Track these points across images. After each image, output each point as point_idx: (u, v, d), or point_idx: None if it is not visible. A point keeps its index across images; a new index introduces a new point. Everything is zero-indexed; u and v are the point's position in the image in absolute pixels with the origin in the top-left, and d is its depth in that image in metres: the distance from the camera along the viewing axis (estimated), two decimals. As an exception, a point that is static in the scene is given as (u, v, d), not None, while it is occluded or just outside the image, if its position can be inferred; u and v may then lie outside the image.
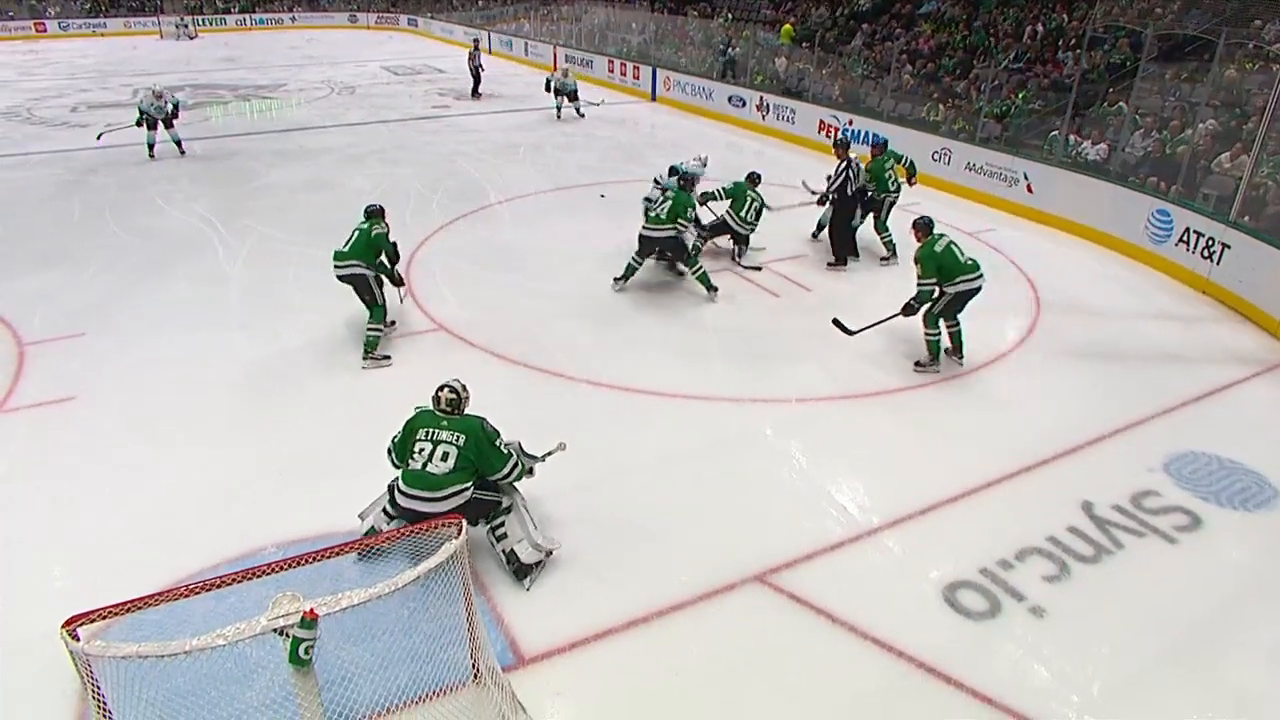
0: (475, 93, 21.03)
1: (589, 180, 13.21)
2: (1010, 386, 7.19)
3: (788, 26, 19.77)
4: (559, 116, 18.13)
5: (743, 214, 9.42)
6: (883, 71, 16.06)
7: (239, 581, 3.34)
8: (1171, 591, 4.86)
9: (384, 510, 4.82)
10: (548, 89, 18.10)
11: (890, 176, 9.72)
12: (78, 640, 3.01)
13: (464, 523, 3.55)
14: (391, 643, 4.15)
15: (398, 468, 4.73)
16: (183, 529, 5.17)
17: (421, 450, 4.59)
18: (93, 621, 3.05)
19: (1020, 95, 13.56)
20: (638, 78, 21.55)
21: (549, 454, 5.21)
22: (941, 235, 7.20)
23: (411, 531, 3.52)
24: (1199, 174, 10.21)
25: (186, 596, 3.37)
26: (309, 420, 6.38)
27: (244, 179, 13.13)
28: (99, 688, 3.13)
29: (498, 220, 11.29)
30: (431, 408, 4.75)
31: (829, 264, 9.71)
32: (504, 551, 4.78)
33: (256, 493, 5.51)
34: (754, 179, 9.55)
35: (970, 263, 7.14)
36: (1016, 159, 12.05)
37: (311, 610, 3.05)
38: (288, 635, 3.05)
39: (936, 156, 13.14)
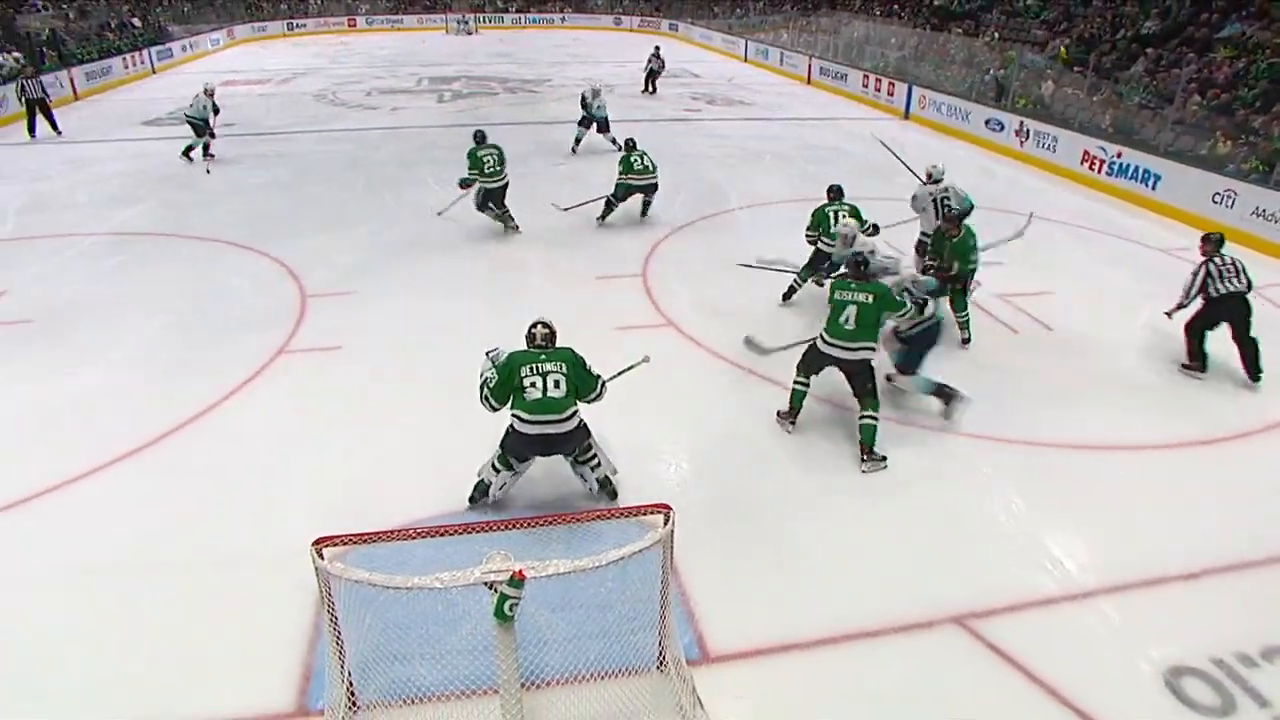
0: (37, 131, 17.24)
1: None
2: (1277, 462, 6.40)
3: (1064, 49, 18.52)
4: (574, 150, 15.60)
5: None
6: (1164, 101, 14.67)
7: (460, 534, 3.65)
8: None
9: (493, 465, 5.27)
10: (583, 106, 15.62)
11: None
12: (323, 559, 3.41)
13: (673, 511, 3.65)
14: (586, 617, 4.34)
15: (497, 409, 5.12)
16: (416, 478, 5.66)
17: (533, 384, 4.98)
18: (335, 546, 3.45)
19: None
20: (892, 94, 20.96)
21: (628, 369, 5.71)
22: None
23: (620, 513, 3.66)
24: None
25: (413, 539, 3.71)
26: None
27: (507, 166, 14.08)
28: (334, 604, 3.52)
29: (737, 226, 11.43)
30: (526, 347, 5.13)
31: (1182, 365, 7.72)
32: (597, 479, 5.33)
33: (486, 455, 5.91)
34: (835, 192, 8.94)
35: None
36: (1322, 208, 10.64)
37: (520, 571, 3.27)
38: (496, 590, 3.29)
39: (1218, 199, 11.83)
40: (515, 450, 5.15)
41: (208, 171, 13.75)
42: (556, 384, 4.99)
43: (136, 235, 10.54)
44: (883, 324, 6.17)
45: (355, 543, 3.59)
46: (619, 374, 5.61)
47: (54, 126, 17.01)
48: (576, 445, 5.21)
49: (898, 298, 6.15)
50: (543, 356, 5.05)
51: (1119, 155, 13.74)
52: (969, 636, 4.51)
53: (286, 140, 16.61)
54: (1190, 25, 17.22)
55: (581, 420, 5.16)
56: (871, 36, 25.01)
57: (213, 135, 14.59)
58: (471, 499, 5.34)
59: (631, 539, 3.57)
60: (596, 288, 8.86)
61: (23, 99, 16.83)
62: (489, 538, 3.63)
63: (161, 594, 4.71)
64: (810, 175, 14.22)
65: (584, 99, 15.55)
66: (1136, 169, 13.27)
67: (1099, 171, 13.96)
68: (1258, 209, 11.31)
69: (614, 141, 14.63)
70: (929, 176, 8.93)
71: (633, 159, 10.82)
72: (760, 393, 6.97)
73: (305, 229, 10.67)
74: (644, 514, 3.67)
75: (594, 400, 5.23)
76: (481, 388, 5.20)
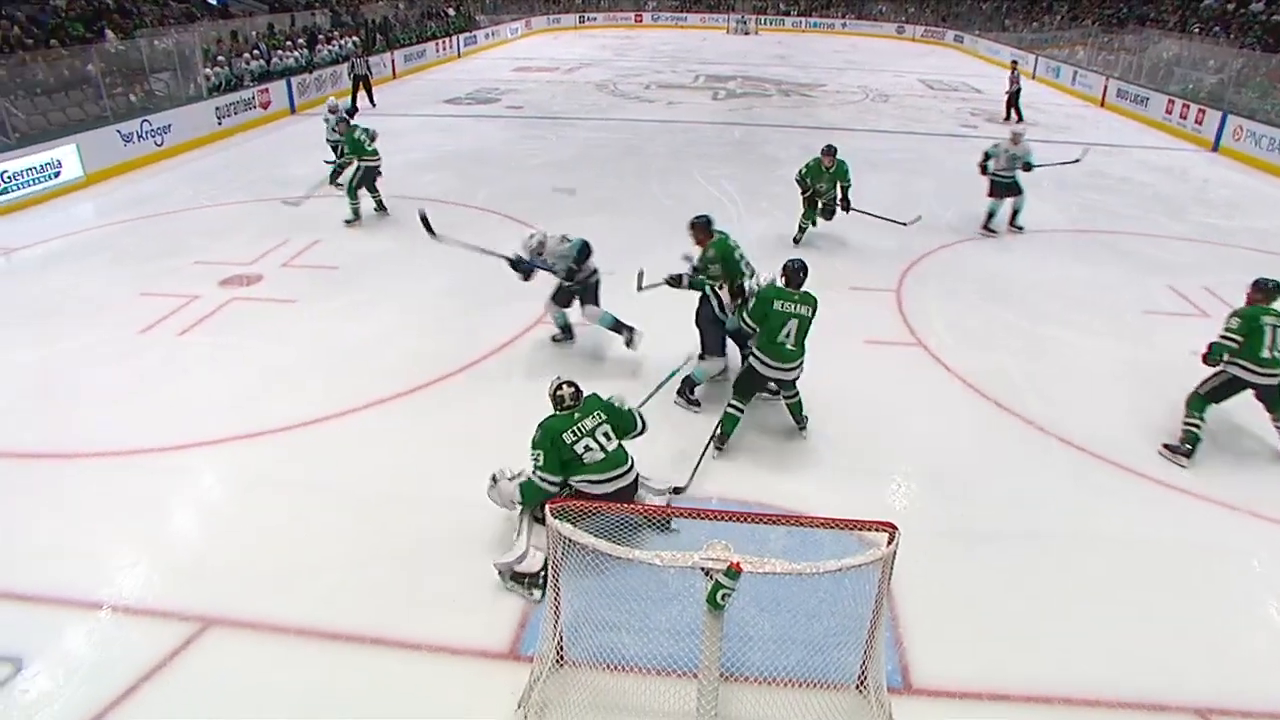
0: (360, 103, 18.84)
1: (1114, 228, 11.97)
2: None
3: None
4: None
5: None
6: None
7: (685, 516, 3.74)
8: None
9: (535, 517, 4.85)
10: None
11: None
12: (554, 519, 3.61)
13: (898, 531, 3.54)
14: (793, 622, 4.31)
15: (553, 485, 4.73)
16: (651, 460, 5.76)
17: (586, 447, 4.76)
18: (571, 510, 3.65)
19: None
20: (1200, 123, 18.62)
21: (659, 387, 5.94)
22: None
23: (845, 524, 3.59)
24: None
25: (642, 514, 3.85)
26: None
27: (769, 166, 14.15)
28: (559, 563, 3.73)
29: (1007, 250, 10.78)
30: (554, 412, 4.85)
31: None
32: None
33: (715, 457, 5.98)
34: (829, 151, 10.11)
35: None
36: None
37: (738, 563, 3.30)
38: (711, 577, 3.33)
39: None
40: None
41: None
42: (607, 435, 4.85)
43: (432, 200, 11.61)
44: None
45: (586, 511, 3.77)
46: (650, 396, 5.82)
47: (371, 100, 19.48)
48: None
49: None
50: (577, 415, 4.84)
51: None
52: (1209, 732, 4.02)
53: (569, 125, 17.66)
54: None
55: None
56: (1184, 57, 22.50)
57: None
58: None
59: (851, 552, 3.50)
60: (849, 298, 8.69)
61: (351, 75, 19.34)
62: (712, 526, 3.69)
63: (407, 523, 5.20)
64: (1091, 204, 13.13)
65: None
66: None
67: None
68: None
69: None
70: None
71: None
72: (1004, 426, 6.58)
73: (574, 210, 11.29)
74: (869, 529, 3.58)
75: (639, 435, 5.13)
76: (524, 489, 4.84)
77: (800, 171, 10.30)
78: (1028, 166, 10.86)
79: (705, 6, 45.11)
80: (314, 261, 9.50)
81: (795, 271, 5.80)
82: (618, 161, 14.38)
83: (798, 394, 6.11)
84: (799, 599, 4.34)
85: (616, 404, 5.09)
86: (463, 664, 4.22)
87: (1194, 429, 6.18)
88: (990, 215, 11.20)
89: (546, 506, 3.68)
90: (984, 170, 11.02)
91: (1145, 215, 12.73)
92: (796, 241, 10.46)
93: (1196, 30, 24.74)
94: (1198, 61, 21.80)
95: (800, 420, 6.19)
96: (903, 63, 31.53)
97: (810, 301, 5.79)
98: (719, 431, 5.94)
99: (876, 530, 3.56)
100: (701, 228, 6.62)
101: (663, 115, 18.11)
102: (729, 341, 6.67)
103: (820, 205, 10.32)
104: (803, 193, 10.28)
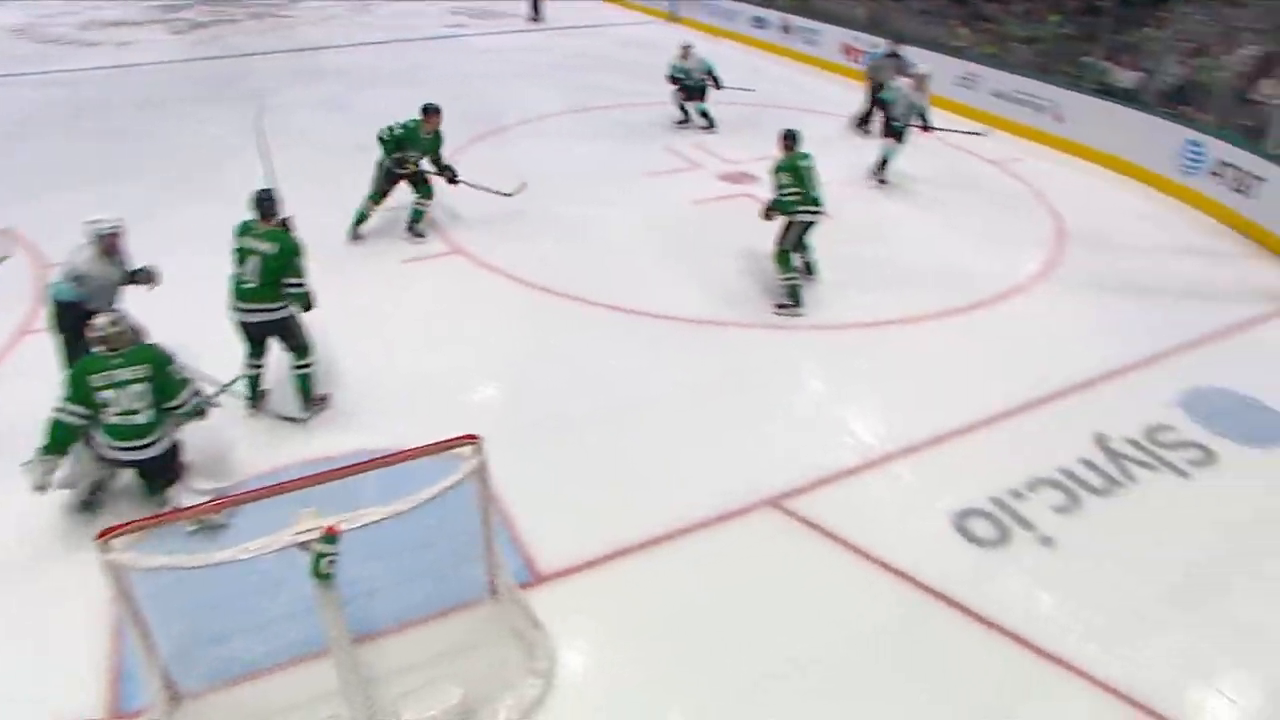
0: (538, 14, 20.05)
1: (608, 102, 12.99)
2: (1030, 318, 7.13)
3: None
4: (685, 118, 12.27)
5: None
6: (909, -8, 15.53)
7: (262, 498, 3.43)
8: (1181, 525, 4.89)
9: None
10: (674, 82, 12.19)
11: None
12: (112, 551, 3.10)
13: (481, 440, 3.59)
14: (411, 559, 4.24)
15: (79, 419, 4.36)
16: (214, 448, 5.25)
17: (112, 404, 4.32)
18: (125, 534, 3.14)
19: (1053, 19, 13.08)
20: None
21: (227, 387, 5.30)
22: (806, 155, 7.04)
23: (429, 450, 3.56)
24: (1236, 103, 9.89)
25: (214, 512, 3.46)
26: (335, 340, 6.28)
27: (259, 100, 12.96)
28: (131, 597, 3.24)
29: (516, 142, 11.17)
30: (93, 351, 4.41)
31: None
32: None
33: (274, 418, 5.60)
34: None
35: (819, 195, 6.99)
36: (1046, 86, 11.70)
37: (333, 526, 3.12)
38: (310, 549, 3.13)
39: (963, 82, 12.79)
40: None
41: None
42: (141, 396, 4.35)
43: None
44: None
45: (149, 526, 3.28)
46: (218, 392, 5.23)
47: None
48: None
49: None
50: (116, 362, 4.33)
51: (875, 46, 14.43)
52: (784, 516, 4.80)
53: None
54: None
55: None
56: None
57: None
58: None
59: (446, 474, 3.48)
60: (375, 220, 8.41)
61: None
62: (300, 496, 3.43)
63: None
64: (584, 84, 14.08)
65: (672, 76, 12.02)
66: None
67: (859, 62, 14.63)
68: (997, 90, 12.30)
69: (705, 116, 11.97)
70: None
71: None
72: (560, 309, 6.96)
73: (38, 189, 9.35)
74: (453, 447, 3.58)
75: (183, 414, 4.61)
76: (51, 429, 4.33)
77: None
78: (710, 76, 11.61)
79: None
80: None
81: (260, 201, 5.34)
82: (74, 123, 12.11)
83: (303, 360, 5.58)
84: (409, 534, 4.21)
85: (172, 368, 4.52)
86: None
87: (792, 281, 7.02)
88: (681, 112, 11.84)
89: (96, 543, 3.13)
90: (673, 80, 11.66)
91: (632, 86, 13.92)
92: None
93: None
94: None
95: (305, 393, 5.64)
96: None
97: (277, 239, 5.25)
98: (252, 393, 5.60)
99: (462, 445, 3.58)
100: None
101: (116, 59, 15.49)
102: None
103: None
104: None
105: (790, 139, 7.10)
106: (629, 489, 5.01)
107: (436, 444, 3.56)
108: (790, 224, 7.00)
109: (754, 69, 15.44)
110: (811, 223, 7.08)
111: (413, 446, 3.55)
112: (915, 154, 10.30)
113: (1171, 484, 5.20)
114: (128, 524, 3.18)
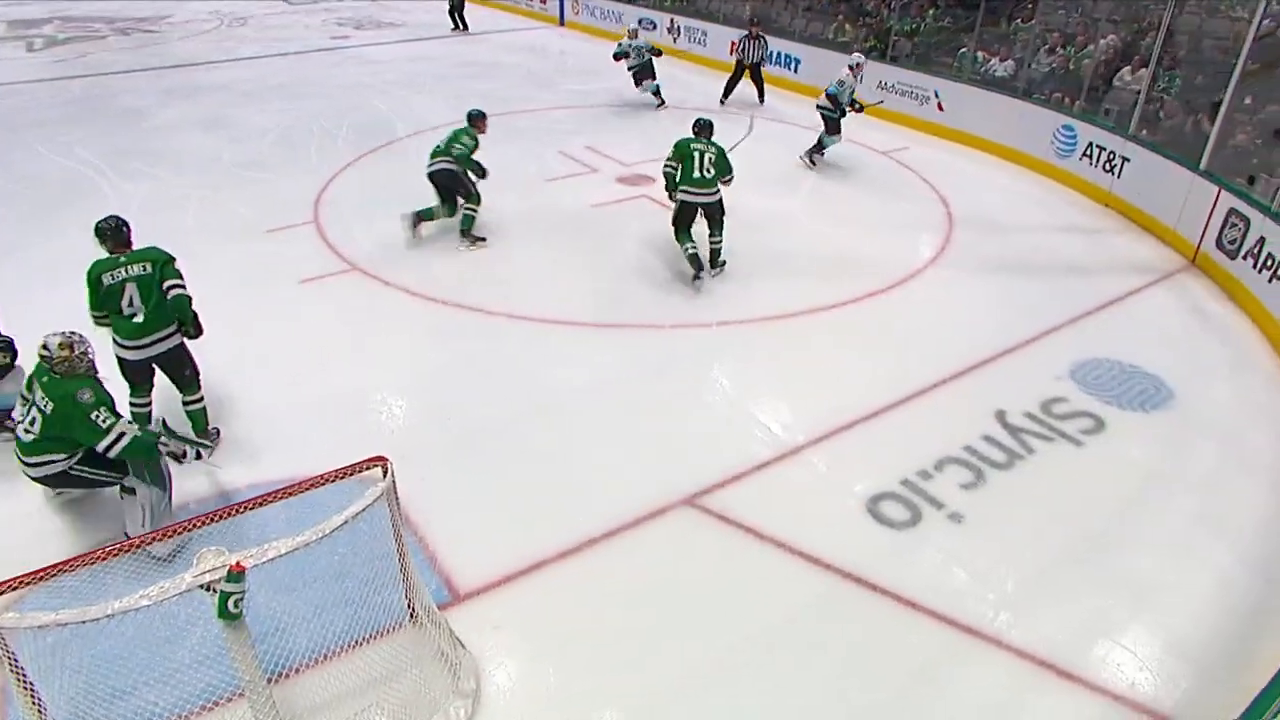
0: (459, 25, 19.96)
1: (498, 110, 12.75)
2: (925, 301, 7.37)
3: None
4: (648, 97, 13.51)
5: None
6: (794, -10, 15.90)
7: (157, 540, 3.25)
8: (1079, 491, 5.12)
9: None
10: (617, 59, 13.33)
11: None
12: (-10, 616, 2.89)
13: (390, 461, 3.50)
14: (324, 589, 4.10)
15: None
16: (101, 492, 4.96)
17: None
18: (4, 593, 2.93)
19: (930, 13, 13.58)
20: (544, 2, 20.90)
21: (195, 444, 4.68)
22: (704, 140, 7.41)
23: (336, 475, 3.45)
24: (1101, 89, 10.46)
25: (104, 560, 3.26)
26: (218, 368, 5.93)
27: (132, 120, 12.36)
28: (15, 660, 3.02)
29: (408, 154, 10.90)
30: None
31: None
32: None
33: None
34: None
35: (702, 178, 7.28)
36: (927, 77, 12.15)
37: (238, 563, 2.98)
38: (215, 590, 2.98)
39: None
40: None
41: None
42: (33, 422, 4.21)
43: None
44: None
45: (31, 583, 3.06)
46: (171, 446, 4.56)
47: None
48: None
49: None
50: (45, 379, 4.20)
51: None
52: (699, 513, 4.82)
53: None
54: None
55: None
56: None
57: None
58: None
59: (355, 499, 3.37)
60: (268, 241, 8.15)
61: None
62: (195, 536, 3.28)
63: None
64: (472, 92, 13.89)
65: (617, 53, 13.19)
66: (780, 55, 14.31)
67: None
68: (881, 82, 12.68)
69: (656, 94, 13.29)
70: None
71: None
72: (461, 321, 6.85)
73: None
74: (362, 470, 3.48)
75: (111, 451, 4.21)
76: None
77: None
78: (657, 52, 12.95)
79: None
80: None
81: (104, 232, 4.96)
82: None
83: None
84: (321, 565, 4.12)
85: (94, 415, 4.14)
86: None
87: (691, 252, 7.38)
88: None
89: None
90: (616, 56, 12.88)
91: (522, 92, 13.82)
92: None
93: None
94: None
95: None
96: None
97: (149, 257, 4.93)
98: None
99: (370, 468, 3.48)
100: None
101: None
102: None
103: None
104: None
105: (696, 125, 7.48)
106: (543, 497, 4.96)
107: (342, 469, 3.44)
108: (678, 202, 7.41)
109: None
110: (695, 203, 7.32)
111: (318, 473, 3.42)
112: (806, 145, 10.55)
113: (1067, 453, 5.45)
114: (5, 582, 2.96)
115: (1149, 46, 9.89)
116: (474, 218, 8.11)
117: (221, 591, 2.97)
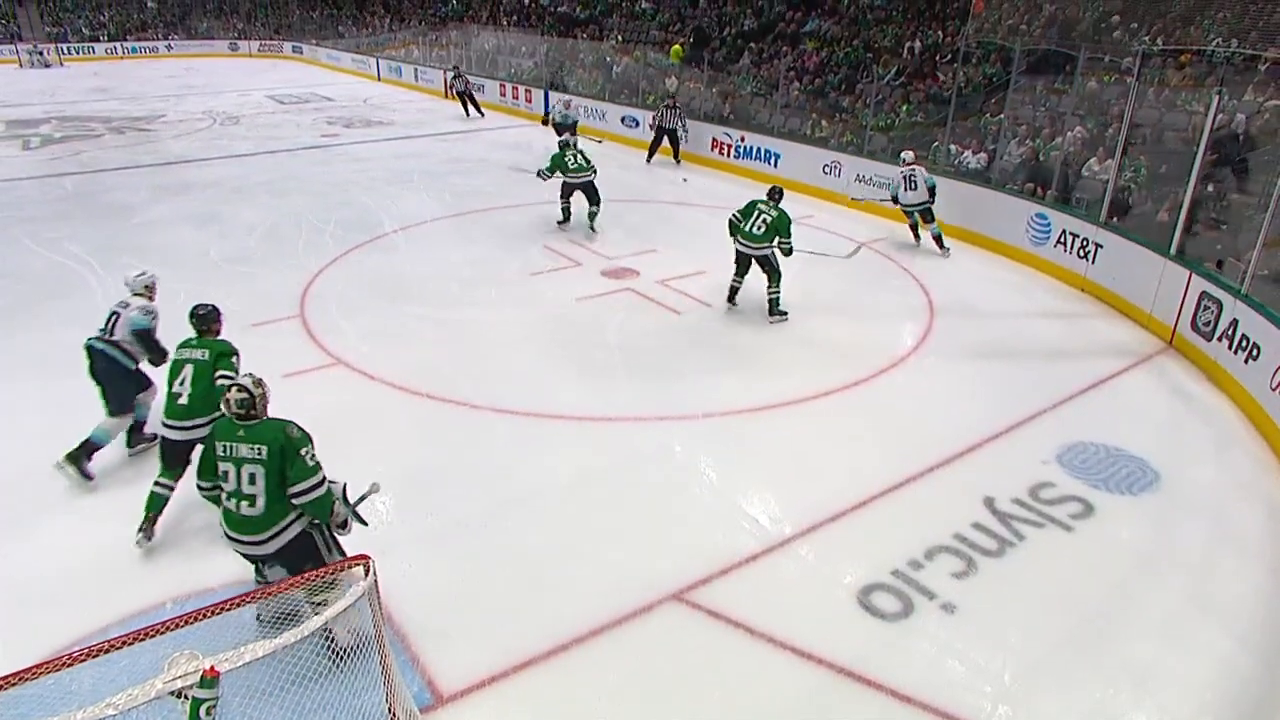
0: (473, 110, 21.88)
1: (485, 206, 13.08)
2: (910, 389, 7.40)
3: (677, 47, 20.04)
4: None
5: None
6: (771, 88, 16.44)
7: (128, 644, 3.14)
8: (1071, 577, 5.06)
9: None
10: (546, 123, 17.84)
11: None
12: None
13: (372, 560, 3.42)
14: (302, 694, 3.95)
15: (204, 490, 4.30)
16: (66, 593, 4.84)
17: (224, 480, 4.10)
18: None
19: (904, 108, 14.07)
20: (530, 100, 21.52)
21: (362, 498, 4.49)
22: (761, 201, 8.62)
23: (316, 576, 3.37)
24: (1071, 179, 10.77)
25: (69, 666, 3.14)
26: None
27: (122, 215, 12.50)
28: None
29: (394, 250, 11.06)
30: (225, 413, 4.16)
31: None
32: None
33: (148, 548, 5.20)
34: None
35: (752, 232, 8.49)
36: (902, 169, 12.47)
37: (212, 668, 2.88)
38: (186, 697, 2.87)
39: (827, 170, 13.52)
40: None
41: None
42: (253, 480, 4.04)
43: None
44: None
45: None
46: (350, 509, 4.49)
47: None
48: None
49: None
50: (242, 432, 4.07)
51: (742, 139, 15.19)
52: (688, 609, 4.72)
53: None
54: (781, 22, 19.44)
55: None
56: (503, 46, 25.41)
57: None
58: None
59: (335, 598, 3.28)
60: (252, 335, 8.14)
61: None
62: (168, 639, 3.16)
63: None
64: (459, 189, 14.17)
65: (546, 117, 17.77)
66: (759, 150, 14.73)
67: (728, 155, 15.32)
68: (859, 175, 13.04)
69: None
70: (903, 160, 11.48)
71: (566, 157, 11.19)
72: (446, 415, 6.82)
73: None
74: (343, 569, 3.40)
75: (318, 514, 4.16)
76: None
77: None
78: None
79: (-21, 38, 37.48)
80: None
81: (194, 315, 5.40)
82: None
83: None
84: (300, 668, 3.99)
85: (305, 451, 4.09)
86: None
87: (733, 285, 8.87)
88: None
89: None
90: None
91: (508, 190, 14.10)
92: None
93: (506, 23, 27.81)
94: (515, 49, 24.69)
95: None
96: (246, 80, 30.15)
97: (208, 346, 5.28)
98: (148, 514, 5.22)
99: (351, 566, 3.40)
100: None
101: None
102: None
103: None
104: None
105: (770, 192, 8.79)
106: (528, 594, 4.85)
107: (324, 568, 3.37)
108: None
109: (624, 165, 15.93)
110: (745, 254, 8.62)
111: (298, 576, 3.34)
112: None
113: (1058, 538, 5.40)
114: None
115: (1113, 137, 10.25)
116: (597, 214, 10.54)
117: (193, 698, 2.86)
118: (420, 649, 4.40)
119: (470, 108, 21.70)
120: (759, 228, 8.39)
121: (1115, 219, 9.52)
